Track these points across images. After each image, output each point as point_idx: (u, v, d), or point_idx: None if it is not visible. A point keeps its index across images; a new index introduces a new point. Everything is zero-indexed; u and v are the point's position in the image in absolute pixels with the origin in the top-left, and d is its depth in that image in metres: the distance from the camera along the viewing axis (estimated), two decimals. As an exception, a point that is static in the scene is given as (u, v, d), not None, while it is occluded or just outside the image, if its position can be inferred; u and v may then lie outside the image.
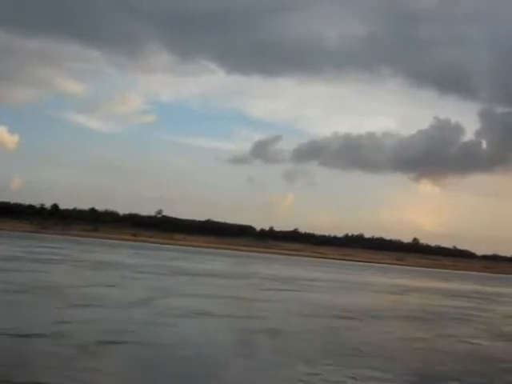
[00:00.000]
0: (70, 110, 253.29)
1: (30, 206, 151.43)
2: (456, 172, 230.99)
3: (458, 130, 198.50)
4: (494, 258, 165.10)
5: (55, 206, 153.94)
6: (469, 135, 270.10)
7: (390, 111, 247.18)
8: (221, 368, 11.36)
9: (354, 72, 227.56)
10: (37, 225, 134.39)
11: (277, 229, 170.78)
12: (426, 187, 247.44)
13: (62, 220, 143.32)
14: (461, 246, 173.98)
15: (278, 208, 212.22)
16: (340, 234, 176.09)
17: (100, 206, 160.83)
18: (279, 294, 29.65)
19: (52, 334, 12.58)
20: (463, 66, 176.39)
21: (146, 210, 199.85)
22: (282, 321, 18.64)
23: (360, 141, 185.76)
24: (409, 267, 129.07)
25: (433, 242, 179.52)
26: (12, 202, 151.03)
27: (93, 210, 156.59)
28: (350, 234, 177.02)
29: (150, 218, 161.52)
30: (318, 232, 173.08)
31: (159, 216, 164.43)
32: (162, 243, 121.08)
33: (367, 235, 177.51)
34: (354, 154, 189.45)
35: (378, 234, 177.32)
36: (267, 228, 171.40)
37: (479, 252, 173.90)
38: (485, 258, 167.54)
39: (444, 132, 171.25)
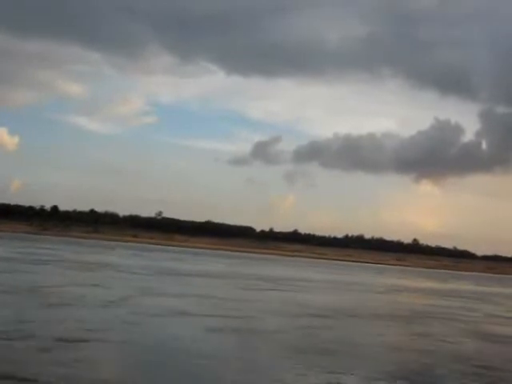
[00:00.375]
0: (70, 112, 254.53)
1: (30, 208, 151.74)
2: (456, 172, 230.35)
3: (458, 130, 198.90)
4: (495, 259, 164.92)
5: (55, 208, 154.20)
6: (469, 136, 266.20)
7: (390, 112, 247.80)
8: (183, 367, 11.31)
9: (354, 73, 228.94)
10: (37, 226, 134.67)
11: (277, 230, 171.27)
12: (427, 188, 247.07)
13: (62, 221, 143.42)
14: (461, 247, 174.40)
15: (278, 209, 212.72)
16: (340, 235, 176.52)
17: (100, 208, 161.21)
18: (266, 294, 29.66)
19: (15, 332, 12.56)
20: (463, 66, 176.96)
21: (146, 211, 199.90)
22: (259, 321, 18.61)
23: (360, 142, 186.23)
24: (409, 268, 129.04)
25: (433, 243, 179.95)
26: (12, 203, 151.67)
27: (93, 212, 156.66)
28: (350, 235, 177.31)
29: (150, 219, 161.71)
30: (319, 233, 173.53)
31: (159, 217, 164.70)
32: (162, 244, 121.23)
33: (367, 236, 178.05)
34: (354, 155, 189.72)
35: (378, 235, 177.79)
36: (267, 229, 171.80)
37: (479, 252, 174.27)
38: (485, 258, 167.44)
39: (444, 133, 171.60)
